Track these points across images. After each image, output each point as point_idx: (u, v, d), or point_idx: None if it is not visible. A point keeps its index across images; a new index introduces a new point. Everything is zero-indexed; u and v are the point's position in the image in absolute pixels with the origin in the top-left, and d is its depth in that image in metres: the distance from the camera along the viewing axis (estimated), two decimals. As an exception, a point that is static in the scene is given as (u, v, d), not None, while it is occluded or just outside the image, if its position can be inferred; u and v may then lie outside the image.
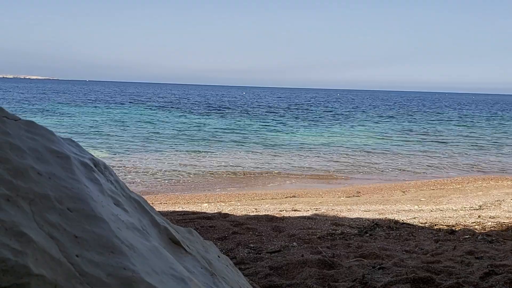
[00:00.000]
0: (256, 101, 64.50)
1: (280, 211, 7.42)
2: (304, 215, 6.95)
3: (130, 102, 49.36)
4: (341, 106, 57.40)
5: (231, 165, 13.92)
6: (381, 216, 6.88)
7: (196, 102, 54.53)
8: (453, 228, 6.05)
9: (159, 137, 20.58)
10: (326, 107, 53.47)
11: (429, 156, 17.23)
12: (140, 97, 63.36)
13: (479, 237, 5.45)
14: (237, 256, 4.52)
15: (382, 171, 14.00)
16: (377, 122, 33.14)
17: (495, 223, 6.38)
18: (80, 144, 2.06)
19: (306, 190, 10.82)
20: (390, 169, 14.31)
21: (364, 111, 46.65)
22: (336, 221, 6.38)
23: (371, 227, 6.02)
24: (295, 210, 7.58)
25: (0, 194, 1.31)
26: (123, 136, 20.23)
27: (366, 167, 14.49)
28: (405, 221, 6.48)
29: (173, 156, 15.35)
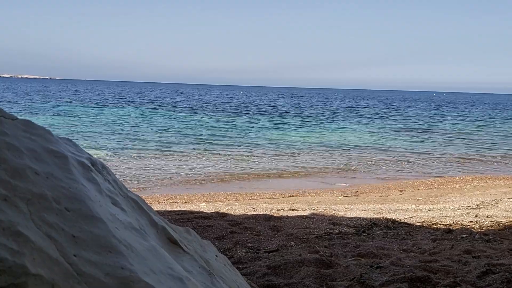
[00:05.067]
0: (254, 101, 64.49)
1: (278, 210, 7.42)
2: (302, 214, 6.95)
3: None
4: (339, 105, 57.42)
5: (228, 165, 13.93)
6: (378, 216, 6.89)
7: (191, 102, 54.49)
8: (451, 227, 6.06)
9: (157, 136, 20.56)
10: (324, 106, 53.52)
11: (427, 156, 17.27)
12: (140, 97, 63.24)
13: (476, 236, 5.47)
14: (235, 255, 4.52)
15: (379, 170, 14.02)
16: (374, 121, 33.19)
17: (492, 222, 6.40)
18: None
19: (304, 189, 10.82)
20: (388, 169, 14.33)
21: (362, 110, 46.69)
22: (334, 221, 6.39)
23: (369, 227, 6.03)
24: (293, 210, 7.59)
25: (-3, 194, 1.31)
26: (120, 136, 20.21)
27: (363, 166, 14.51)
28: (402, 220, 6.49)
29: (170, 155, 15.34)
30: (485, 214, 7.08)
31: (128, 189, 2.07)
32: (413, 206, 8.13)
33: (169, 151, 16.35)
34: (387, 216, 6.85)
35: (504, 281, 3.46)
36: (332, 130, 26.27)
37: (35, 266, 1.19)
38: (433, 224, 6.30)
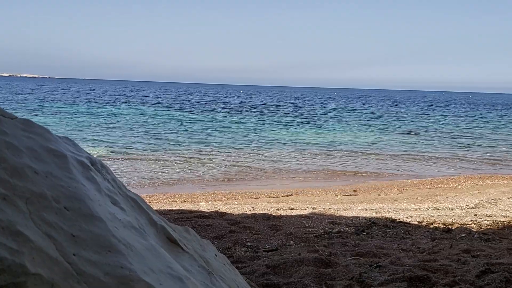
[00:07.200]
0: (254, 101, 64.49)
1: (277, 209, 7.43)
2: (301, 213, 6.96)
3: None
4: (338, 105, 57.45)
5: (228, 164, 13.92)
6: (378, 215, 6.90)
7: (188, 101, 54.52)
8: (450, 226, 6.07)
9: (155, 136, 20.55)
10: (323, 105, 53.55)
11: (426, 155, 17.27)
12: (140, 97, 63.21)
13: (475, 236, 5.48)
14: (234, 254, 4.52)
15: (379, 169, 14.02)
16: (373, 121, 33.19)
17: (491, 222, 6.41)
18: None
19: (303, 188, 10.82)
20: (387, 168, 14.33)
21: (361, 110, 46.71)
22: (333, 220, 6.40)
23: (368, 226, 6.04)
24: (292, 209, 7.59)
25: (-4, 193, 1.31)
26: (118, 135, 20.18)
27: (363, 165, 14.51)
28: (401, 220, 6.50)
29: (169, 155, 15.33)
30: (484, 214, 7.09)
31: (127, 188, 2.07)
32: (412, 205, 8.14)
33: (166, 150, 16.34)
34: (386, 215, 6.86)
35: (503, 280, 3.46)
36: (330, 129, 26.27)
37: (34, 266, 1.19)
38: (432, 224, 6.30)
